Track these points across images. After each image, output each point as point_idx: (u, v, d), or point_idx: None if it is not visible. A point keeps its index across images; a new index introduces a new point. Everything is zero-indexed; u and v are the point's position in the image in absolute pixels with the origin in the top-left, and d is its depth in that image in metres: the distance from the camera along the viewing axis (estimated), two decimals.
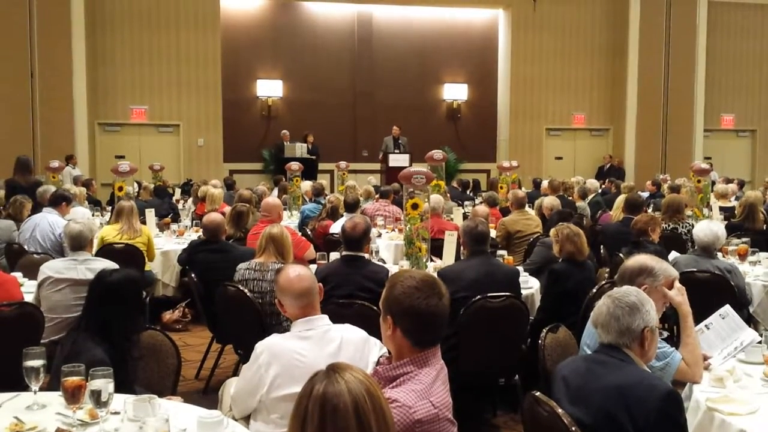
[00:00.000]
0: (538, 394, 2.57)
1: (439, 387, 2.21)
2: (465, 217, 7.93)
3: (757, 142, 18.87)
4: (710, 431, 2.79)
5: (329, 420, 1.67)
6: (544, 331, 3.44)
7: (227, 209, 7.50)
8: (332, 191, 12.79)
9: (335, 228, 6.99)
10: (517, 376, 4.41)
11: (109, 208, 9.65)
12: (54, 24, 14.00)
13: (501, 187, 11.03)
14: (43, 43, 13.92)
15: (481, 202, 9.14)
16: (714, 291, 4.71)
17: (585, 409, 2.48)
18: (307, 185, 10.88)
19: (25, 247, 6.30)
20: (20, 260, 5.77)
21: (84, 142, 14.67)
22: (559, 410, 2.43)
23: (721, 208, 9.00)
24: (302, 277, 2.95)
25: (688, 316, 3.18)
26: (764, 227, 7.19)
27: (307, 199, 10.40)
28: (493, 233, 6.60)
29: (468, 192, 12.50)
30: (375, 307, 3.46)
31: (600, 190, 11.94)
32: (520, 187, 10.78)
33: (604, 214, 9.11)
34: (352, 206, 7.63)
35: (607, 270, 6.09)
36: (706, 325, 3.43)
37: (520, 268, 5.29)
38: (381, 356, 2.50)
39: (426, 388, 2.16)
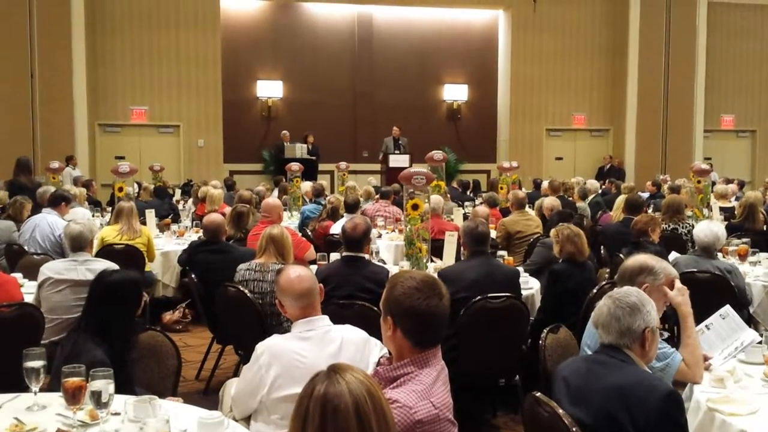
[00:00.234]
0: (538, 394, 2.57)
1: (439, 387, 2.21)
2: (465, 217, 7.93)
3: (757, 142, 18.88)
4: (711, 431, 2.79)
5: (330, 420, 1.67)
6: (545, 331, 3.44)
7: (227, 210, 7.50)
8: (332, 192, 12.78)
9: (335, 229, 6.99)
10: (517, 376, 4.41)
11: (110, 208, 9.65)
12: (54, 25, 14.00)
13: (501, 188, 11.03)
14: (43, 43, 13.92)
15: (481, 203, 9.14)
16: (714, 291, 4.71)
17: (586, 410, 2.48)
18: (307, 186, 10.88)
19: (25, 247, 6.30)
20: (20, 261, 5.77)
21: (84, 142, 14.67)
22: (560, 411, 2.43)
23: (721, 209, 9.00)
24: (302, 278, 2.95)
25: (688, 316, 3.18)
26: (764, 228, 7.19)
27: (308, 200, 10.40)
28: (493, 234, 6.60)
29: (468, 192, 12.50)
30: (375, 308, 3.46)
31: (600, 191, 11.95)
32: (520, 188, 10.78)
33: (605, 214, 9.11)
34: (352, 207, 7.63)
35: (608, 270, 6.09)
36: (706, 326, 3.43)
37: (521, 269, 5.28)
38: (381, 357, 2.50)
39: (426, 389, 2.16)
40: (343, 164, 12.89)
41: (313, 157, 15.08)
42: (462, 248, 4.88)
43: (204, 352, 5.56)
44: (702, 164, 9.52)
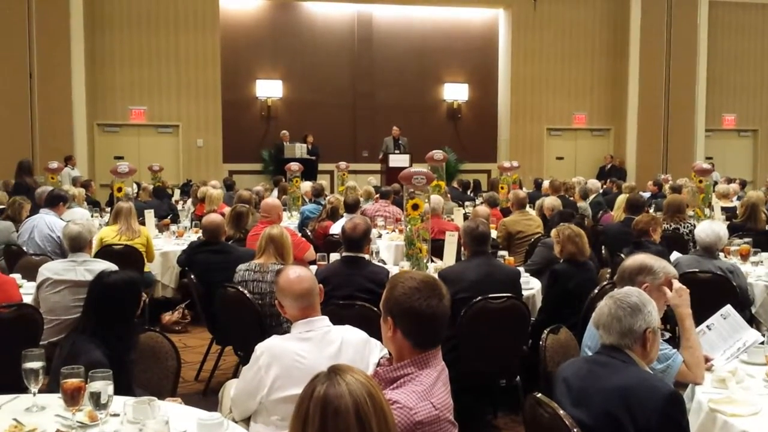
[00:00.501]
0: (539, 395, 2.56)
1: (439, 388, 2.20)
2: (465, 217, 7.92)
3: (759, 141, 18.87)
4: None
5: (330, 422, 1.67)
6: (545, 332, 3.43)
7: (227, 210, 7.49)
8: (332, 192, 12.77)
9: (335, 229, 6.98)
10: (518, 377, 4.40)
11: (108, 209, 9.64)
12: (53, 25, 14.00)
13: (502, 188, 11.02)
14: (42, 43, 13.92)
15: (481, 203, 9.13)
16: (716, 291, 4.70)
17: (587, 411, 2.47)
18: (306, 186, 10.87)
19: (24, 248, 6.29)
20: (19, 262, 5.76)
21: (83, 142, 14.67)
22: (561, 412, 2.43)
23: (723, 209, 8.99)
24: (302, 279, 2.94)
25: (687, 317, 3.17)
26: (766, 227, 7.18)
27: (307, 200, 10.39)
28: (493, 234, 6.59)
29: (468, 192, 12.50)
30: (375, 309, 3.45)
31: (601, 191, 11.94)
32: (520, 188, 10.78)
33: (606, 214, 9.10)
34: (352, 207, 7.62)
35: (609, 270, 6.07)
36: (707, 326, 3.42)
37: (521, 269, 5.27)
38: (381, 357, 2.49)
39: (427, 390, 2.16)
40: (342, 164, 12.88)
41: (313, 157, 15.08)
42: (462, 248, 4.87)
43: (203, 353, 5.54)
44: (703, 164, 9.50)
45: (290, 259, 4.64)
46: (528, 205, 8.20)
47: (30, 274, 5.05)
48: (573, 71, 17.41)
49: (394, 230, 7.78)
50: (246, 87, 16.43)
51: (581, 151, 17.97)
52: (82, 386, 2.56)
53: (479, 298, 4.15)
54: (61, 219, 6.68)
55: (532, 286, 5.16)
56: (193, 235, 7.62)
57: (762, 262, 5.85)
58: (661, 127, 17.58)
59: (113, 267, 4.16)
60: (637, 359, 2.57)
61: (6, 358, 3.13)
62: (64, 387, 2.58)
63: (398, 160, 14.03)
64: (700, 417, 2.87)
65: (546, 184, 11.14)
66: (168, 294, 7.11)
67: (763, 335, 3.46)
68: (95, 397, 2.52)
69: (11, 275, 4.93)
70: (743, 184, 13.31)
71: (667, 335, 3.12)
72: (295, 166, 11.04)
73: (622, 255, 5.50)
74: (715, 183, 11.81)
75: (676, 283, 3.19)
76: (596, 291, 4.40)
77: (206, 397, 4.98)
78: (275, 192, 11.51)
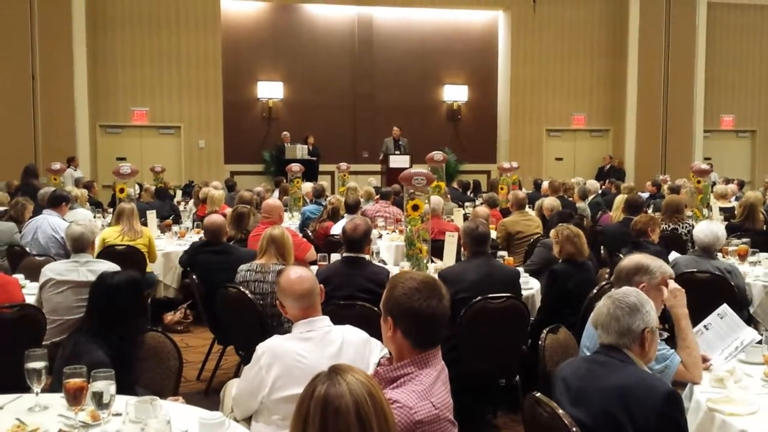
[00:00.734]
0: (538, 395, 2.58)
1: (439, 388, 2.22)
2: (465, 218, 7.94)
3: (757, 142, 18.88)
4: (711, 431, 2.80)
5: (331, 421, 1.68)
6: (544, 332, 3.44)
7: (228, 211, 7.51)
8: (333, 192, 12.79)
9: (336, 229, 6.99)
10: (517, 376, 4.41)
11: (111, 210, 9.66)
12: (55, 26, 14.01)
13: (501, 188, 11.03)
14: (44, 44, 13.93)
15: (481, 203, 9.15)
16: (714, 291, 4.70)
17: (585, 410, 2.48)
18: (307, 186, 10.88)
19: (27, 249, 6.31)
20: (22, 262, 5.77)
21: (85, 143, 14.68)
22: (560, 411, 2.44)
23: (721, 209, 9.00)
24: (303, 279, 2.96)
25: (683, 318, 3.18)
26: (764, 227, 7.19)
27: (308, 201, 10.40)
28: (493, 234, 6.61)
29: (468, 193, 12.50)
30: (376, 309, 3.47)
31: (600, 191, 11.95)
32: (520, 188, 10.79)
33: (604, 214, 9.11)
34: (352, 207, 7.63)
35: (608, 270, 6.09)
36: (705, 326, 3.43)
37: (521, 269, 5.29)
38: (382, 357, 2.51)
39: (427, 389, 2.17)
40: (343, 165, 12.88)
41: (314, 158, 15.09)
42: (462, 249, 4.89)
43: (205, 353, 5.56)
44: (702, 164, 9.52)
45: (291, 260, 4.65)
46: (527, 206, 8.21)
47: (33, 274, 5.06)
48: (572, 72, 17.41)
49: (394, 231, 7.80)
50: (247, 88, 16.44)
51: (580, 152, 17.97)
52: (84, 386, 2.58)
53: (479, 298, 4.17)
54: (64, 220, 6.70)
55: (531, 286, 5.17)
56: (195, 236, 7.63)
57: (760, 262, 5.85)
58: (659, 127, 17.59)
59: (116, 267, 4.18)
60: (635, 359, 2.58)
61: (9, 358, 3.15)
62: (67, 387, 2.59)
63: (398, 161, 14.04)
64: (698, 416, 2.88)
65: (545, 184, 11.15)
66: (170, 294, 7.13)
67: (761, 335, 3.47)
68: (97, 397, 2.53)
69: (14, 276, 4.94)
70: (741, 185, 13.31)
71: (666, 335, 3.13)
72: (296, 166, 11.05)
73: (621, 255, 5.50)
74: (714, 183, 11.81)
75: (671, 284, 3.20)
76: (595, 291, 4.41)
77: (208, 396, 5.00)
78: (276, 193, 11.52)
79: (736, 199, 10.08)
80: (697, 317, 3.34)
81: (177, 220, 9.44)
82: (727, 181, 13.13)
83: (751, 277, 5.49)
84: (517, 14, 17.00)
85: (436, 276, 3.86)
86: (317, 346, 2.82)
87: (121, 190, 8.67)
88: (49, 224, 6.54)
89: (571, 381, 2.61)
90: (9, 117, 13.53)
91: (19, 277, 5.05)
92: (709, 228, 5.18)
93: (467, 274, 4.44)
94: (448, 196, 9.54)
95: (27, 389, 2.80)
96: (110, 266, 4.37)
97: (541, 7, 16.81)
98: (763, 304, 5.29)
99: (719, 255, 5.49)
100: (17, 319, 3.96)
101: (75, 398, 2.59)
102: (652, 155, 17.53)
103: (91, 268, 4.51)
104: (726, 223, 7.25)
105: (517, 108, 17.23)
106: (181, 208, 11.01)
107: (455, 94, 17.44)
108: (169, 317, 6.84)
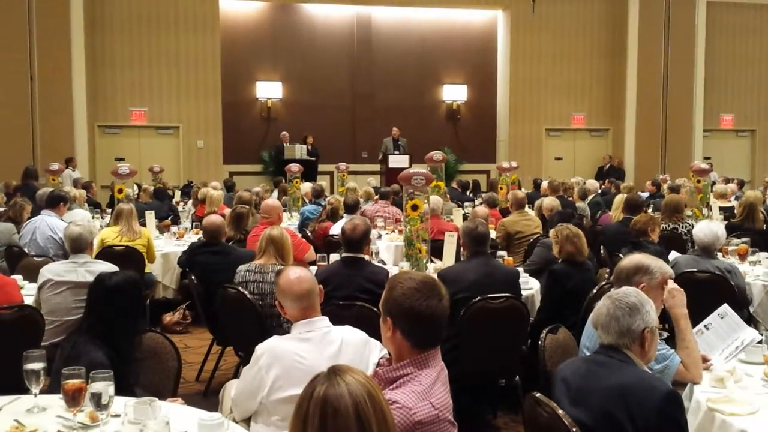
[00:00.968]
0: (538, 395, 2.57)
1: (439, 388, 2.21)
2: (465, 218, 7.94)
3: (757, 141, 18.89)
4: (711, 431, 2.79)
5: (330, 422, 1.68)
6: (544, 332, 3.44)
7: (227, 211, 7.50)
8: (332, 193, 12.79)
9: (335, 229, 6.99)
10: (517, 377, 4.41)
11: (109, 210, 9.65)
12: (53, 26, 14.01)
13: (501, 188, 11.04)
14: (43, 45, 13.93)
15: (480, 203, 9.15)
16: (714, 291, 4.70)
17: (585, 410, 2.48)
18: (306, 187, 10.88)
19: (26, 249, 6.30)
20: (20, 263, 5.76)
21: (84, 144, 14.68)
22: (560, 411, 2.44)
23: (721, 208, 8.99)
24: (302, 279, 2.95)
25: (682, 318, 3.18)
26: (764, 227, 7.19)
27: (307, 201, 10.40)
28: (492, 234, 6.60)
29: (468, 193, 12.50)
30: (375, 309, 3.46)
31: (600, 191, 11.95)
32: (519, 188, 10.78)
33: (604, 214, 9.11)
34: (351, 208, 7.63)
35: (607, 270, 6.08)
36: (705, 326, 3.43)
37: (520, 269, 5.29)
38: (381, 358, 2.50)
39: (426, 390, 2.16)
40: (342, 165, 12.89)
41: (313, 158, 15.09)
42: (462, 249, 4.88)
43: (204, 354, 5.56)
44: (701, 164, 9.52)
45: (290, 260, 4.65)
46: (527, 206, 8.21)
47: (31, 275, 5.06)
48: (571, 72, 17.42)
49: (393, 231, 7.79)
50: (246, 88, 16.44)
51: (580, 152, 17.98)
52: (83, 387, 2.57)
53: (478, 298, 4.16)
54: (62, 220, 6.69)
55: (531, 286, 5.17)
56: (194, 236, 7.63)
57: (760, 261, 5.86)
58: (659, 127, 17.60)
59: (114, 268, 4.18)
60: (635, 359, 2.58)
61: (7, 360, 3.14)
62: (65, 388, 2.58)
63: (398, 160, 14.04)
64: (698, 416, 2.88)
65: (545, 184, 11.15)
66: (169, 295, 7.12)
67: (761, 334, 3.47)
68: (96, 398, 2.53)
69: (13, 276, 4.93)
70: (741, 184, 13.31)
71: (666, 335, 3.13)
72: (295, 167, 11.05)
73: (621, 255, 5.50)
74: (713, 183, 11.82)
75: (670, 284, 3.20)
76: (595, 291, 4.41)
77: (207, 397, 4.99)
78: (275, 193, 11.52)
79: (736, 198, 10.08)
80: (697, 317, 3.33)
81: (176, 221, 9.43)
82: (727, 181, 13.14)
83: (751, 276, 5.49)
84: (517, 14, 17.00)
85: (435, 276, 3.85)
86: (316, 347, 2.82)
87: (120, 191, 8.66)
88: (48, 225, 6.54)
89: (571, 381, 2.60)
90: (8, 118, 13.53)
91: (18, 277, 5.05)
92: (708, 227, 5.17)
93: (467, 274, 4.44)
94: (448, 196, 9.54)
95: (25, 390, 2.79)
96: (109, 267, 4.36)
97: (541, 6, 16.80)
98: (763, 303, 5.29)
99: (719, 254, 5.48)
100: (16, 320, 3.95)
101: (74, 399, 2.59)
102: (652, 155, 17.54)
103: (89, 269, 4.50)
104: (726, 222, 7.24)
105: (516, 107, 17.24)
106: (179, 208, 11.01)
107: (454, 93, 17.44)
108: (168, 318, 6.83)
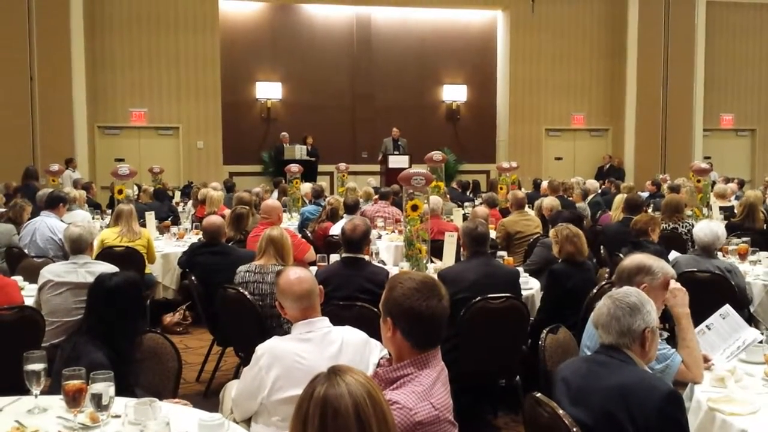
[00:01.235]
0: (539, 395, 2.57)
1: (439, 388, 2.21)
2: (465, 218, 7.94)
3: (757, 141, 18.89)
4: (711, 431, 2.79)
5: (330, 422, 1.68)
6: (544, 332, 3.43)
7: (227, 212, 7.50)
8: (332, 193, 12.79)
9: (335, 230, 6.99)
10: (517, 377, 4.41)
11: (109, 211, 9.65)
12: (53, 27, 14.01)
13: (501, 188, 11.04)
14: (43, 46, 13.93)
15: (480, 203, 9.14)
16: (714, 291, 4.70)
17: (586, 410, 2.48)
18: (306, 187, 10.88)
19: (26, 250, 6.30)
20: (21, 264, 5.76)
21: (84, 145, 14.67)
22: (560, 411, 2.43)
23: (721, 208, 8.99)
24: (302, 280, 2.95)
25: (683, 317, 3.18)
26: (764, 226, 7.19)
27: (307, 201, 10.40)
28: (492, 234, 6.60)
29: (468, 193, 12.51)
30: (375, 309, 3.46)
31: (600, 191, 11.95)
32: (519, 188, 10.78)
33: (604, 214, 9.11)
34: (351, 208, 7.63)
35: (607, 270, 6.08)
36: (707, 326, 3.43)
37: (520, 269, 5.29)
38: (381, 358, 2.50)
39: (426, 390, 2.16)
40: (342, 165, 12.89)
41: (313, 159, 15.10)
42: (462, 249, 4.88)
43: (204, 354, 5.56)
44: (701, 163, 9.51)
45: (290, 260, 4.65)
46: (527, 206, 8.21)
47: (31, 276, 5.06)
48: (571, 72, 17.42)
49: (393, 231, 7.79)
50: (246, 89, 16.44)
51: (580, 152, 17.98)
52: (83, 388, 2.57)
53: (479, 298, 4.16)
54: (62, 221, 6.69)
55: (531, 286, 5.17)
56: (194, 237, 7.63)
57: (760, 261, 5.85)
58: (659, 127, 17.59)
59: (114, 269, 4.18)
60: (635, 358, 2.58)
61: (8, 360, 3.14)
62: (66, 389, 2.58)
63: (398, 161, 14.05)
64: (699, 416, 2.88)
65: (545, 184, 11.15)
66: (169, 295, 7.12)
67: (762, 334, 3.47)
68: (96, 399, 2.53)
69: (13, 277, 4.93)
70: (741, 184, 13.31)
71: (666, 335, 3.13)
72: (294, 167, 11.05)
73: (621, 255, 5.50)
74: (713, 182, 11.81)
75: (672, 283, 3.20)
76: (595, 291, 4.41)
77: (207, 398, 4.99)
78: (275, 193, 11.52)
79: (736, 198, 10.08)
80: (697, 316, 3.33)
81: (176, 221, 9.43)
82: (727, 180, 13.13)
83: (751, 276, 5.49)
84: (516, 14, 17.00)
85: (435, 276, 3.86)
86: (317, 347, 2.82)
87: (120, 191, 8.66)
88: (47, 226, 6.53)
89: (571, 381, 2.60)
90: (7, 118, 13.53)
91: (18, 278, 5.05)
92: (709, 227, 5.17)
93: (467, 275, 4.44)
94: (448, 196, 9.54)
95: (26, 391, 2.79)
96: (109, 268, 4.36)
97: (540, 6, 16.79)
98: (763, 303, 5.29)
99: (719, 254, 5.48)
100: (16, 320, 3.96)
101: (74, 400, 2.58)
102: (652, 154, 17.53)
103: (89, 270, 4.50)
104: (726, 222, 7.24)
105: (516, 108, 17.24)
106: (179, 209, 11.01)
107: (454, 93, 17.44)
108: (168, 318, 6.83)
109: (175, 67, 15.41)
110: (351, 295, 4.27)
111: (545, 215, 7.46)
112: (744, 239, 6.28)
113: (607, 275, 5.59)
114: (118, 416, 2.64)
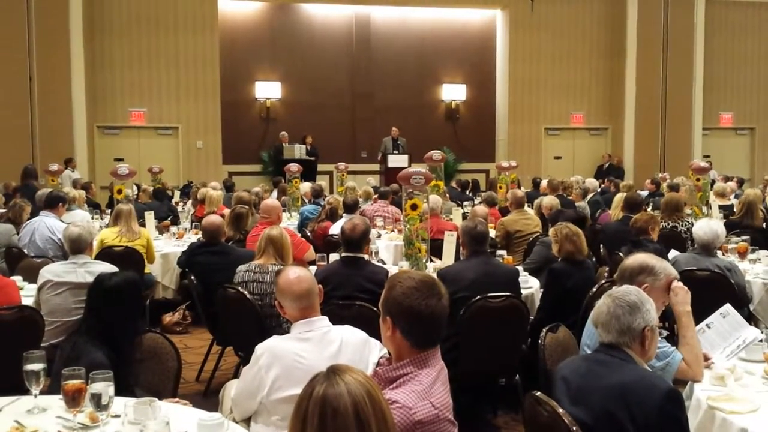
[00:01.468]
0: (538, 394, 2.57)
1: (439, 388, 2.21)
2: (464, 217, 7.93)
3: (756, 139, 18.89)
4: (711, 430, 2.79)
5: (329, 422, 1.68)
6: (544, 330, 3.43)
7: (226, 211, 7.50)
8: (331, 192, 12.79)
9: (335, 229, 6.99)
10: (517, 376, 4.41)
11: (109, 211, 9.65)
12: (53, 27, 14.00)
13: (500, 187, 11.04)
14: (42, 46, 13.92)
15: (480, 202, 9.14)
16: (714, 289, 4.70)
17: (586, 409, 2.48)
18: (306, 186, 10.88)
19: (25, 250, 6.30)
20: (20, 264, 5.76)
21: (83, 145, 14.67)
22: (560, 410, 2.43)
23: (721, 207, 8.99)
24: (302, 279, 2.95)
25: (684, 315, 3.17)
26: (764, 225, 7.19)
27: (307, 201, 10.40)
28: (492, 233, 6.60)
29: (467, 192, 12.50)
30: (375, 308, 3.46)
31: (599, 189, 11.95)
32: (519, 187, 10.79)
33: (604, 213, 9.11)
34: (351, 207, 7.63)
35: (607, 269, 6.08)
36: (707, 325, 3.43)
37: (520, 268, 5.28)
38: (381, 357, 2.50)
39: (426, 389, 2.16)
40: (342, 165, 12.89)
41: (312, 158, 15.09)
42: (461, 248, 4.88)
43: (204, 354, 5.56)
44: (701, 162, 9.52)
45: (290, 260, 4.64)
46: (526, 205, 8.21)
47: (31, 276, 5.06)
48: (570, 71, 17.42)
49: (393, 230, 7.79)
50: (245, 88, 16.43)
51: (579, 151, 17.98)
52: (83, 388, 2.57)
53: (478, 297, 4.16)
54: (61, 221, 6.69)
55: (530, 285, 5.17)
56: (193, 237, 7.62)
57: (760, 259, 5.85)
58: (658, 125, 17.60)
59: (114, 269, 4.17)
60: (635, 357, 2.58)
61: (7, 360, 3.14)
62: (65, 389, 2.58)
63: (397, 160, 14.06)
64: (698, 414, 2.88)
65: (544, 183, 11.15)
66: (168, 295, 7.12)
67: (762, 332, 3.47)
68: (96, 399, 2.53)
69: (12, 277, 4.93)
70: (741, 182, 13.31)
71: (666, 333, 3.13)
72: (294, 167, 11.05)
73: (620, 254, 5.50)
74: (713, 181, 11.82)
75: (675, 283, 3.20)
76: (595, 289, 4.41)
77: (207, 397, 4.99)
78: (275, 193, 11.52)
79: (736, 196, 10.07)
80: (697, 315, 3.33)
81: (175, 221, 9.43)
82: (727, 179, 13.13)
83: (751, 274, 5.49)
84: (515, 13, 17.00)
85: (435, 275, 3.85)
86: (316, 347, 2.82)
87: (119, 191, 8.66)
88: (46, 226, 6.53)
89: (571, 380, 2.60)
90: (7, 118, 13.52)
91: (17, 278, 5.04)
92: (708, 226, 5.17)
93: (466, 274, 4.44)
94: (447, 195, 9.54)
95: (25, 391, 2.79)
96: (108, 267, 4.36)
97: (539, 5, 16.81)
98: (763, 301, 5.29)
99: (719, 253, 5.48)
100: (15, 320, 3.95)
101: (74, 400, 2.58)
102: (651, 153, 17.54)
103: (89, 270, 4.50)
104: (725, 220, 7.24)
105: (515, 107, 17.24)
106: (179, 208, 10.99)
107: (453, 93, 17.44)
108: (168, 318, 6.83)
109: (174, 67, 15.40)
110: (350, 295, 4.27)
111: (545, 214, 7.46)
112: (743, 237, 6.29)
113: (606, 274, 5.60)
114: (117, 416, 2.63)
